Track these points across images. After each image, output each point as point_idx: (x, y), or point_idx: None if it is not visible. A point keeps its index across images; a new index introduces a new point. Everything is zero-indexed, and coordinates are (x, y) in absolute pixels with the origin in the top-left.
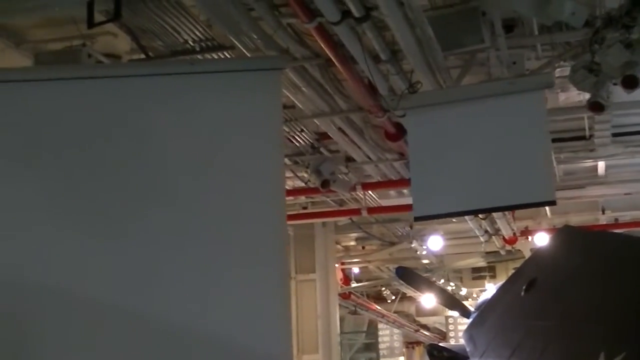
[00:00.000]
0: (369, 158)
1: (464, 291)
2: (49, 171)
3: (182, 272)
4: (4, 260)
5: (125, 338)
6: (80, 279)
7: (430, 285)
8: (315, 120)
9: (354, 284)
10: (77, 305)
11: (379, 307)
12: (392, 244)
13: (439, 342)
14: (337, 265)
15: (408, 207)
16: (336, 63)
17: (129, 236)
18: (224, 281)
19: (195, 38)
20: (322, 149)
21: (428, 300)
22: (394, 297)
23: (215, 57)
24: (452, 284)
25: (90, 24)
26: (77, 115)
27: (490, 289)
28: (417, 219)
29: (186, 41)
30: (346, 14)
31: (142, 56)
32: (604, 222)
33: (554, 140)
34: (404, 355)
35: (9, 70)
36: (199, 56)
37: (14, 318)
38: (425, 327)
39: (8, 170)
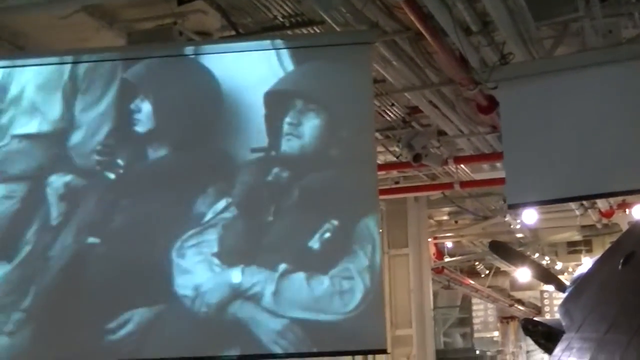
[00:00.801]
0: (461, 131)
1: (559, 265)
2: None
3: (277, 242)
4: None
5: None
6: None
7: (524, 259)
8: (406, 94)
9: (447, 259)
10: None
11: (472, 282)
12: (486, 218)
13: (534, 317)
14: (429, 240)
15: (501, 181)
16: (426, 36)
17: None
18: (315, 252)
19: (285, 14)
20: (413, 123)
21: (523, 274)
22: (487, 272)
23: (305, 32)
24: (546, 258)
25: (181, 1)
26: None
27: (586, 263)
28: (511, 207)
29: (276, 17)
30: None
31: (233, 33)
32: None
33: None
34: (498, 330)
35: (105, 49)
36: (289, 32)
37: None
38: (519, 301)
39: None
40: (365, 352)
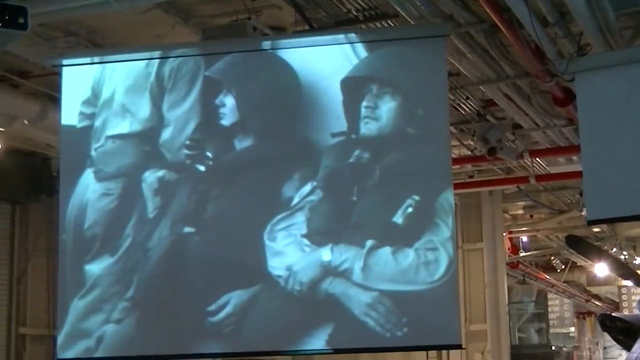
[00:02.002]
0: (537, 124)
1: (638, 260)
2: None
3: (362, 220)
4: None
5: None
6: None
7: (602, 254)
8: (481, 87)
9: (522, 253)
10: None
11: (548, 277)
12: (562, 212)
13: (612, 312)
14: (504, 234)
15: (578, 174)
16: (502, 28)
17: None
18: (399, 227)
19: (359, 7)
20: (488, 116)
21: (600, 269)
22: (563, 267)
23: (379, 26)
24: (624, 253)
25: None
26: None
27: None
28: (590, 222)
29: (349, 11)
30: None
31: (306, 27)
32: None
33: None
34: (574, 326)
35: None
36: (363, 26)
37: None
38: (596, 297)
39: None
40: (439, 347)
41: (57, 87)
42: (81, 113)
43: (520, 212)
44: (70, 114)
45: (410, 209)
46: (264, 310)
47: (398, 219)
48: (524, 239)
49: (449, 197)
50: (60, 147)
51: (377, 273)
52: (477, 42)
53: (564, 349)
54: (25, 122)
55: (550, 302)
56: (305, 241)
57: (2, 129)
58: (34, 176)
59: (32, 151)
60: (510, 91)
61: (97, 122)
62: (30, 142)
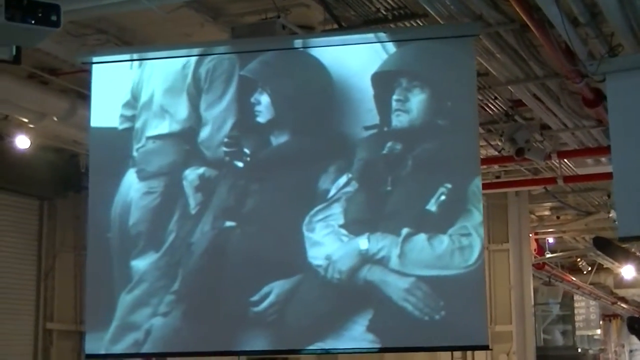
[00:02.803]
0: (565, 125)
1: None
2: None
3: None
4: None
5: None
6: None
7: (629, 256)
8: (510, 88)
9: (548, 255)
10: None
11: (574, 278)
12: (589, 213)
13: (639, 315)
14: (530, 235)
15: (606, 176)
16: (532, 28)
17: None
18: (433, 214)
19: (388, 7)
20: (516, 117)
21: (628, 271)
22: (589, 269)
23: (408, 25)
24: None
25: None
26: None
27: None
28: (622, 239)
29: (378, 10)
30: None
31: (335, 26)
32: None
33: None
34: (600, 328)
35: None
36: (392, 25)
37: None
38: (623, 299)
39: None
40: (466, 348)
41: (86, 85)
42: (122, 115)
43: (547, 213)
44: (105, 114)
45: (443, 197)
46: (306, 298)
47: (432, 206)
48: (550, 240)
49: (479, 184)
50: (90, 146)
51: (414, 259)
52: (507, 42)
53: (590, 351)
54: (54, 118)
55: (576, 304)
56: (343, 231)
57: (31, 126)
58: (62, 173)
59: (60, 148)
60: (539, 91)
61: (138, 124)
62: (58, 138)
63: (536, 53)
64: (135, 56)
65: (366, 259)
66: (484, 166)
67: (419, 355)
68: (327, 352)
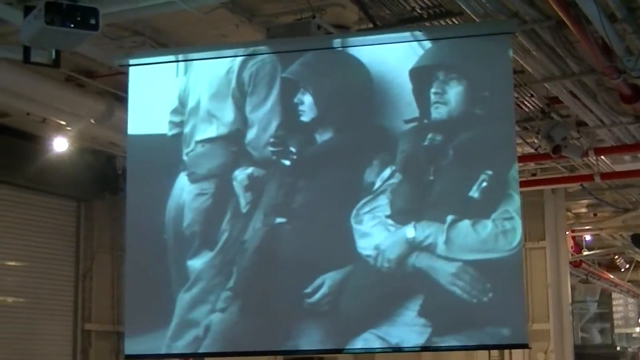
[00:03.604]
0: (602, 122)
1: None
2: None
3: (441, 197)
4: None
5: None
6: None
7: None
8: (546, 85)
9: (585, 252)
10: None
11: (611, 276)
12: (626, 210)
13: None
14: (567, 232)
15: None
16: (568, 24)
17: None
18: (476, 200)
19: (423, 5)
20: (552, 114)
21: None
22: (627, 266)
23: (443, 24)
24: None
25: None
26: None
27: None
28: None
29: (414, 9)
30: None
31: (370, 26)
32: None
33: None
34: (639, 326)
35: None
36: (427, 24)
37: None
38: None
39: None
40: (505, 347)
41: (123, 87)
42: (171, 122)
43: (584, 210)
44: (146, 119)
45: (484, 183)
46: (357, 287)
47: (474, 193)
48: (587, 237)
49: (516, 170)
50: (129, 150)
51: (459, 245)
52: (543, 39)
53: (629, 349)
54: (92, 121)
55: (614, 302)
56: (390, 221)
57: (68, 128)
58: (99, 174)
59: (97, 150)
60: (575, 88)
61: (186, 129)
62: (95, 140)
63: (572, 49)
64: (171, 58)
65: (413, 246)
66: (520, 164)
67: (455, 355)
68: (366, 351)
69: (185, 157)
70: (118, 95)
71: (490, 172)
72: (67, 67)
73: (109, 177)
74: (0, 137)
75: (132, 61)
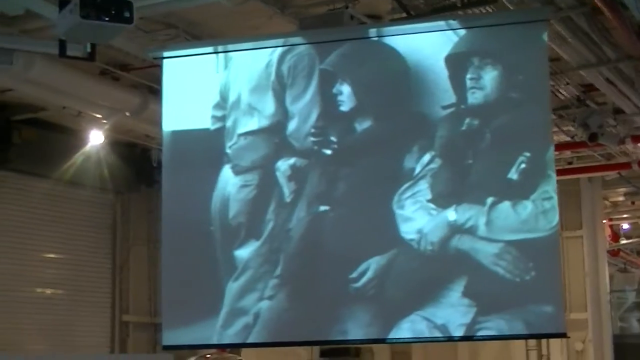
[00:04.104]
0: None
1: None
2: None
3: (481, 180)
4: None
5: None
6: None
7: None
8: (582, 72)
9: (622, 241)
10: None
11: None
12: None
13: None
14: (604, 221)
15: None
16: (604, 10)
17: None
18: (515, 182)
19: None
20: (588, 102)
21: None
22: None
23: (477, 12)
24: None
25: None
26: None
27: None
28: None
29: None
30: None
31: (404, 15)
32: None
33: None
34: None
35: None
36: (460, 12)
37: None
38: None
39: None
40: (543, 336)
41: (157, 80)
42: (213, 116)
43: (621, 198)
44: (183, 113)
45: (523, 165)
46: (402, 271)
47: (513, 175)
48: (625, 226)
49: (552, 150)
50: (164, 144)
51: (500, 226)
52: (578, 26)
53: None
54: (127, 114)
55: None
56: (431, 205)
57: (104, 121)
58: (135, 167)
59: (132, 142)
60: (612, 75)
61: (229, 123)
62: (130, 133)
63: (609, 36)
64: (204, 50)
65: (455, 229)
66: (556, 152)
67: (492, 345)
68: (404, 341)
69: (228, 150)
70: (152, 88)
71: (528, 154)
72: (102, 61)
73: (144, 170)
74: (37, 131)
75: (165, 54)
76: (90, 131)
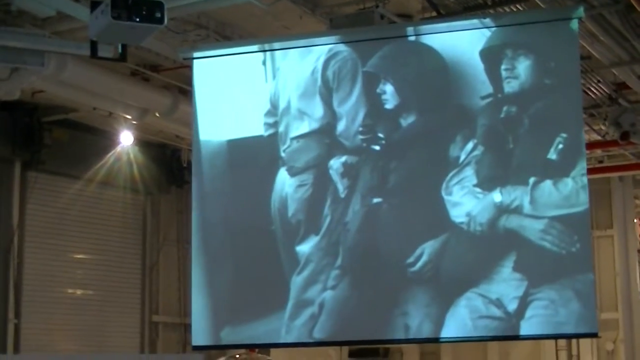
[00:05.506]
0: None
1: None
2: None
3: (522, 162)
4: None
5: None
6: None
7: None
8: (613, 70)
9: None
10: None
11: None
12: None
13: None
14: (635, 220)
15: None
16: (638, 8)
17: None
18: (555, 161)
19: None
20: (620, 100)
21: None
22: None
23: (507, 10)
24: None
25: None
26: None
27: None
28: None
29: None
30: None
31: (434, 14)
32: None
33: None
34: None
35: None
36: (491, 10)
37: None
38: None
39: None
40: (574, 336)
41: (187, 81)
42: (265, 123)
43: None
44: (215, 120)
45: (561, 145)
46: (455, 252)
47: (552, 155)
48: None
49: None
50: (198, 138)
51: (544, 203)
52: (611, 24)
53: None
54: (157, 114)
55: None
56: (477, 189)
57: (134, 122)
58: (165, 168)
59: (162, 143)
60: None
61: (281, 128)
62: (160, 134)
63: None
64: (233, 50)
65: (502, 209)
66: (587, 151)
67: (522, 345)
68: (449, 340)
69: (283, 154)
70: (183, 89)
71: (565, 135)
72: (133, 62)
73: (174, 170)
74: (68, 132)
75: (196, 54)
76: (120, 132)
